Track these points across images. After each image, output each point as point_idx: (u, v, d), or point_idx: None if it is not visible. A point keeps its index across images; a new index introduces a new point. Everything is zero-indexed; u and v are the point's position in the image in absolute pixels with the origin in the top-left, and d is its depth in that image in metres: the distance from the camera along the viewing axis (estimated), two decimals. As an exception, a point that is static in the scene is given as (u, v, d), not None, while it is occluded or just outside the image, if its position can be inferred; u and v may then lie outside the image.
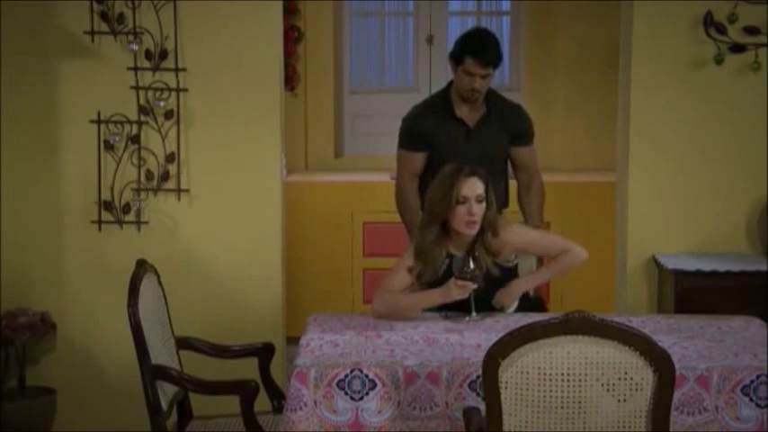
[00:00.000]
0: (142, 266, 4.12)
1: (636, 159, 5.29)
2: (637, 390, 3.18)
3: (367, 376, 3.59)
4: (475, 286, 4.07)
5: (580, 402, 3.17)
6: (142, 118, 5.18)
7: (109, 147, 5.19)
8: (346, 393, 3.59)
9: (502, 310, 4.23)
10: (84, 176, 5.20)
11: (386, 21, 8.26)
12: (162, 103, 5.16)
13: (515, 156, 5.06)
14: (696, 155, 5.26)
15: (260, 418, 3.92)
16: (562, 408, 3.18)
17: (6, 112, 5.17)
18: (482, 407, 3.31)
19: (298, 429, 3.55)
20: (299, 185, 7.10)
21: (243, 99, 5.19)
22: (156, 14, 5.11)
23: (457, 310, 4.18)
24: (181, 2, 5.12)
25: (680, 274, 4.96)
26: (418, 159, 4.97)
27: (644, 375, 3.17)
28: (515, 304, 4.38)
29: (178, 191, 5.22)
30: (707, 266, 4.98)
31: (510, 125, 4.99)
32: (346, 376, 3.59)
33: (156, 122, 5.19)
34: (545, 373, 3.16)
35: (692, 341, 3.90)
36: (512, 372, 3.17)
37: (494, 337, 3.34)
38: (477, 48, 4.81)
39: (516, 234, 4.25)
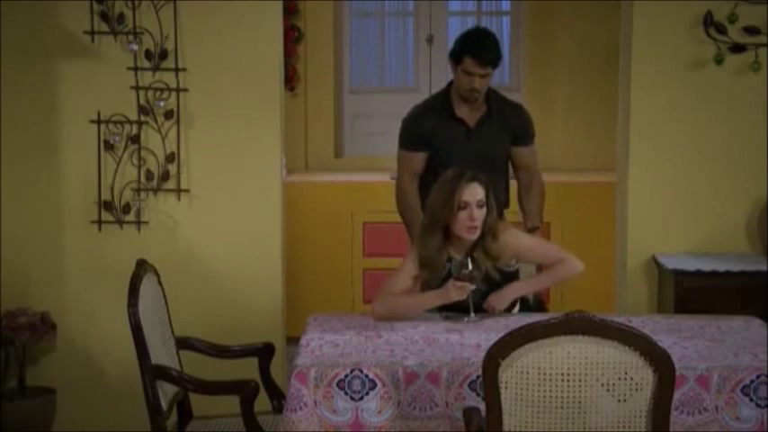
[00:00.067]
0: (142, 266, 4.12)
1: (636, 159, 5.29)
2: (637, 390, 3.18)
3: (367, 376, 3.59)
4: (473, 287, 4.07)
5: (580, 402, 3.17)
6: (142, 118, 5.18)
7: (109, 147, 5.19)
8: (346, 393, 3.59)
9: (492, 312, 4.19)
10: (84, 176, 5.20)
11: (386, 21, 8.26)
12: (162, 103, 5.16)
13: (516, 156, 5.06)
14: (696, 155, 5.26)
15: (260, 418, 3.92)
16: (562, 408, 3.18)
17: (6, 112, 5.17)
18: (482, 407, 3.31)
19: (298, 429, 3.55)
20: (299, 185, 7.10)
21: (243, 99, 5.19)
22: (156, 14, 5.11)
23: (457, 311, 4.19)
24: (181, 2, 5.12)
25: (680, 274, 4.96)
26: (418, 159, 4.97)
27: (644, 375, 3.17)
28: (516, 308, 4.38)
29: (178, 191, 5.22)
30: (707, 266, 4.98)
31: (510, 125, 4.99)
32: (346, 376, 3.59)
33: (156, 122, 5.19)
34: (545, 373, 3.16)
35: (692, 341, 3.90)
36: (512, 372, 3.17)
37: (494, 337, 3.34)
38: (476, 47, 4.81)
39: (514, 238, 4.25)
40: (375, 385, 3.59)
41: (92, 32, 5.13)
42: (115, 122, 5.18)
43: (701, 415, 3.58)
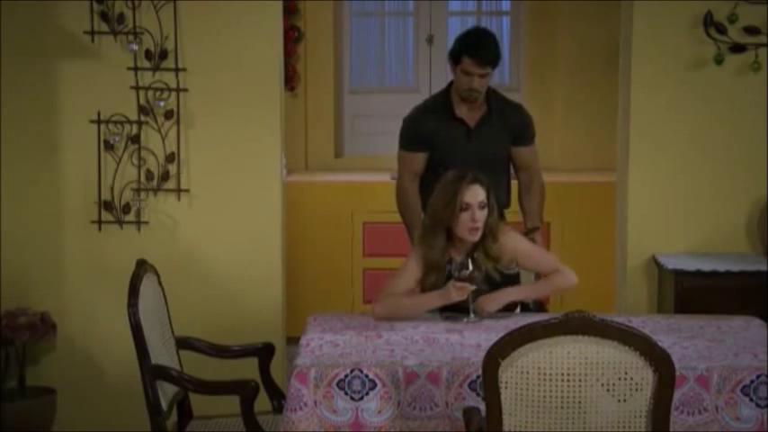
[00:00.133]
0: (142, 266, 4.12)
1: (636, 159, 5.29)
2: (637, 390, 3.18)
3: (367, 376, 3.59)
4: (474, 288, 4.07)
5: (580, 402, 3.17)
6: (142, 118, 5.18)
7: (109, 147, 5.19)
8: (346, 393, 3.59)
9: (481, 314, 4.17)
10: (84, 176, 5.20)
11: (386, 21, 8.26)
12: (162, 103, 5.16)
13: (516, 156, 5.05)
14: (696, 155, 5.26)
15: (260, 418, 3.92)
16: (562, 408, 3.18)
17: (6, 112, 5.17)
18: (482, 407, 3.31)
19: (298, 429, 3.55)
20: (299, 185, 7.10)
21: (243, 99, 5.19)
22: (156, 14, 5.11)
23: (457, 311, 4.19)
24: (181, 2, 5.12)
25: (680, 274, 4.96)
26: (419, 160, 4.97)
27: (644, 375, 3.17)
28: (518, 309, 4.38)
29: (178, 191, 5.22)
30: (707, 266, 4.98)
31: (510, 125, 4.99)
32: (346, 376, 3.59)
33: (156, 122, 5.19)
34: (545, 373, 3.16)
35: (692, 341, 3.90)
36: (512, 372, 3.17)
37: (494, 337, 3.34)
38: (475, 47, 4.81)
39: (514, 242, 4.26)
40: (375, 385, 3.59)
41: (92, 32, 5.13)
42: (115, 122, 5.18)
43: (701, 415, 3.58)
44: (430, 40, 8.00)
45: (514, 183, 5.14)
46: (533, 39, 7.78)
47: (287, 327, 5.42)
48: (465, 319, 4.14)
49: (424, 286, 4.23)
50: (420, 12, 8.06)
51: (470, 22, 8.11)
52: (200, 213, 5.24)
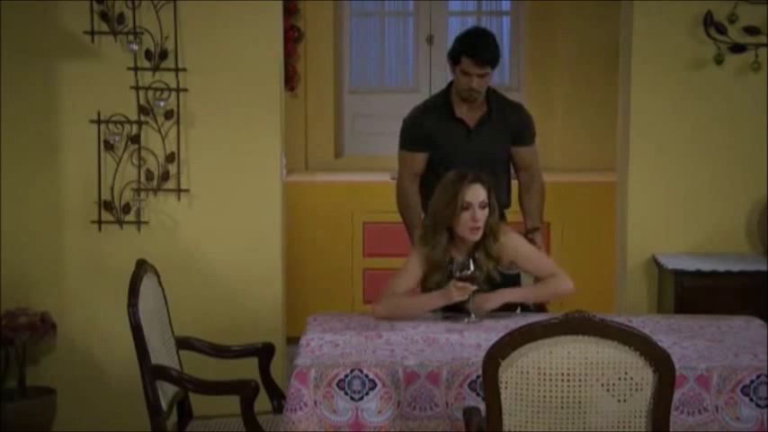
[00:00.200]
0: (142, 266, 4.12)
1: (636, 159, 5.29)
2: (637, 390, 3.18)
3: (367, 376, 3.59)
4: (475, 288, 4.08)
5: (580, 402, 3.17)
6: (142, 118, 5.18)
7: (109, 147, 5.19)
8: (346, 393, 3.59)
9: (477, 313, 4.17)
10: (84, 176, 5.20)
11: (386, 21, 8.26)
12: (162, 103, 5.16)
13: (516, 156, 5.05)
14: (696, 155, 5.26)
15: (260, 418, 3.92)
16: (562, 408, 3.18)
17: (6, 112, 5.17)
18: (482, 407, 3.31)
19: (298, 429, 3.55)
20: (299, 185, 7.10)
21: (243, 99, 5.19)
22: (156, 14, 5.11)
23: (457, 311, 4.19)
24: (181, 2, 5.12)
25: (680, 274, 4.96)
26: (419, 160, 4.97)
27: (644, 375, 3.17)
28: (518, 309, 4.38)
29: (178, 191, 5.22)
30: (707, 266, 4.98)
31: (511, 125, 4.99)
32: (346, 376, 3.59)
33: (156, 122, 5.19)
34: (545, 373, 3.16)
35: (692, 341, 3.90)
36: (512, 372, 3.17)
37: (494, 337, 3.34)
38: (474, 47, 4.81)
39: (514, 242, 4.27)
40: (375, 385, 3.59)
41: (92, 32, 5.13)
42: (115, 122, 5.18)
43: (701, 415, 3.58)
44: (430, 40, 8.00)
45: (515, 183, 5.14)
46: (533, 39, 7.78)
47: (287, 327, 5.42)
48: (466, 320, 4.14)
49: (427, 286, 4.24)
50: (420, 12, 8.06)
51: (470, 22, 8.11)
52: (200, 213, 5.24)
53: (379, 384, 3.59)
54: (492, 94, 4.98)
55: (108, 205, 5.21)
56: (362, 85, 8.12)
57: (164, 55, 5.14)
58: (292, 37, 7.43)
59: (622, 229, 5.41)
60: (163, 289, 4.31)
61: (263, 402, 4.12)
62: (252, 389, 3.89)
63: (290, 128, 6.78)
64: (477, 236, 4.16)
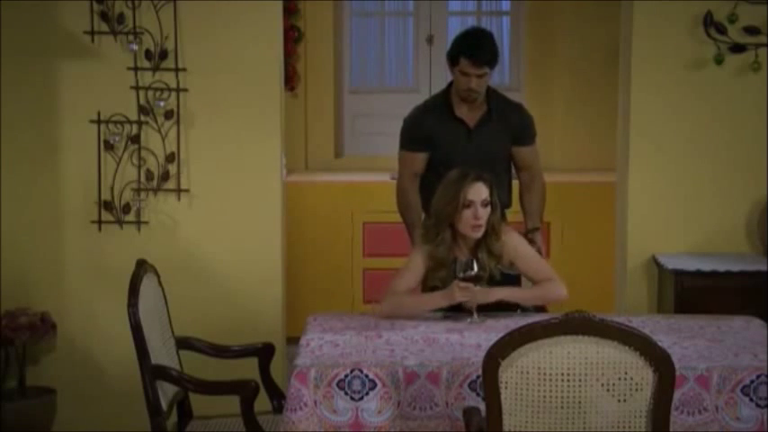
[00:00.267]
0: (142, 266, 4.12)
1: (636, 159, 5.29)
2: (637, 390, 3.18)
3: (367, 376, 3.59)
4: (478, 288, 4.08)
5: (580, 402, 3.17)
6: (142, 118, 5.18)
7: (109, 147, 5.19)
8: (346, 393, 3.59)
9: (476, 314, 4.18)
10: (84, 176, 5.20)
11: (386, 21, 8.26)
12: (162, 103, 5.16)
13: (517, 155, 5.05)
14: (696, 155, 5.26)
15: (260, 418, 3.92)
16: (562, 408, 3.18)
17: (6, 112, 5.17)
18: (482, 407, 3.31)
19: (298, 429, 3.55)
20: (299, 185, 7.10)
21: (243, 99, 5.19)
22: (156, 14, 5.11)
23: (459, 311, 4.20)
24: (181, 2, 5.12)
25: (680, 274, 4.96)
26: (419, 160, 4.97)
27: (644, 375, 3.17)
28: (519, 311, 4.38)
29: (178, 191, 5.22)
30: (707, 266, 4.98)
31: (511, 125, 4.98)
32: (346, 376, 3.59)
33: (156, 122, 5.19)
34: (545, 373, 3.16)
35: (692, 341, 3.90)
36: (512, 372, 3.17)
37: (494, 337, 3.34)
38: (472, 48, 4.81)
39: (514, 242, 4.28)
40: (375, 385, 3.59)
41: (92, 32, 5.13)
42: (115, 122, 5.18)
43: (701, 415, 3.58)
44: (430, 40, 8.00)
45: (515, 183, 5.14)
46: (533, 39, 7.78)
47: (287, 327, 5.42)
48: (468, 320, 4.14)
49: (431, 283, 4.25)
50: (420, 12, 8.06)
51: (470, 22, 8.11)
52: (200, 213, 5.24)
53: (379, 384, 3.59)
54: (492, 94, 4.98)
55: (108, 205, 5.21)
56: (362, 85, 8.12)
57: (164, 55, 5.14)
58: (292, 37, 7.43)
59: (622, 229, 5.41)
60: (163, 289, 4.31)
61: (263, 402, 4.12)
62: (252, 389, 3.89)
63: (290, 128, 6.78)
64: (479, 233, 4.18)
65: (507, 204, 4.97)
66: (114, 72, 5.15)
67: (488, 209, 4.18)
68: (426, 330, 4.02)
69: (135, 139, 5.19)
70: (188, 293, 5.12)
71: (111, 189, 5.20)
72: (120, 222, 5.21)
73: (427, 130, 4.93)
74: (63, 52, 5.14)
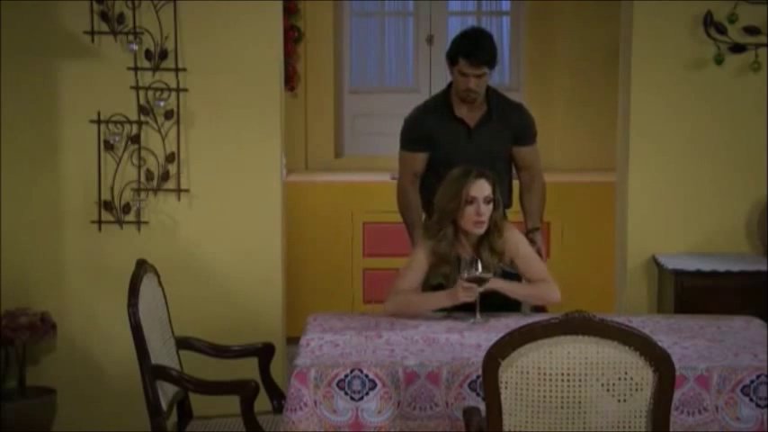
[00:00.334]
0: (142, 266, 4.12)
1: (636, 159, 5.29)
2: (637, 390, 3.18)
3: (367, 376, 3.59)
4: (482, 289, 4.08)
5: (580, 402, 3.17)
6: (142, 118, 5.18)
7: (109, 147, 5.19)
8: (346, 393, 3.59)
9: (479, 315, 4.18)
10: (84, 176, 5.20)
11: (386, 21, 8.26)
12: (162, 103, 5.16)
13: (517, 155, 5.05)
14: (696, 155, 5.26)
15: (260, 418, 3.92)
16: (562, 408, 3.18)
17: (6, 112, 5.17)
18: (482, 407, 3.31)
19: (298, 429, 3.55)
20: (299, 185, 7.10)
21: (243, 99, 5.19)
22: (156, 14, 5.11)
23: (460, 310, 4.20)
24: (181, 2, 5.12)
25: (680, 274, 4.96)
26: (419, 160, 4.97)
27: (644, 375, 3.17)
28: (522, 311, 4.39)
29: (178, 191, 5.22)
30: (707, 266, 4.98)
31: (511, 125, 4.98)
32: (346, 376, 3.59)
33: (156, 122, 5.19)
34: (545, 373, 3.16)
35: (692, 341, 3.90)
36: (512, 372, 3.17)
37: (494, 337, 3.34)
38: (470, 48, 4.81)
39: (515, 239, 4.31)
40: (375, 385, 3.59)
41: (92, 32, 5.13)
42: (115, 122, 5.18)
43: (701, 415, 3.58)
44: (430, 40, 8.00)
45: (515, 183, 5.14)
46: (533, 39, 7.78)
47: (287, 327, 5.42)
48: (472, 320, 4.14)
49: (434, 280, 4.25)
50: (420, 12, 8.06)
51: (470, 22, 8.11)
52: (200, 213, 5.24)
53: (379, 384, 3.59)
54: (492, 94, 4.98)
55: (108, 205, 5.21)
56: (362, 85, 8.12)
57: (164, 55, 5.14)
58: (292, 37, 7.43)
59: (622, 229, 5.41)
60: (163, 289, 4.31)
61: (263, 402, 4.12)
62: (252, 389, 3.89)
63: (290, 128, 6.78)
64: (482, 229, 4.19)
65: (507, 204, 4.97)
66: (114, 72, 5.15)
67: (491, 206, 4.20)
68: (426, 330, 4.02)
69: (135, 139, 5.19)
70: (188, 293, 5.12)
71: (111, 189, 5.20)
72: (120, 222, 5.21)
73: (427, 131, 4.94)
74: (63, 52, 5.14)
